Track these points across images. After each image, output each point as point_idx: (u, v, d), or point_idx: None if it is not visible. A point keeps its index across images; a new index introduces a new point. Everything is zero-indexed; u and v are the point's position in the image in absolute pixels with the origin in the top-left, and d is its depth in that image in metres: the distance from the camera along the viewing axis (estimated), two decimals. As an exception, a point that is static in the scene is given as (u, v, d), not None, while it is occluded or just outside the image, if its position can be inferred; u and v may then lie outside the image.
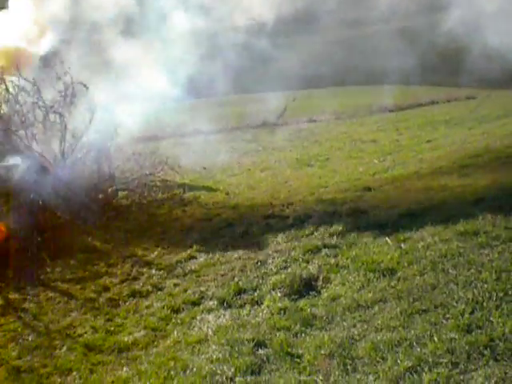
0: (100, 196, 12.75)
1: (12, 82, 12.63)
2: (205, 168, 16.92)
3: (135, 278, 9.13)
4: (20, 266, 9.77)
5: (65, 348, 7.21)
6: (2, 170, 11.11)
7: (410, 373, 5.36)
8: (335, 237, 9.25)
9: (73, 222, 11.51)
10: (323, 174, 14.29)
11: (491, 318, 5.97)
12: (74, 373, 6.61)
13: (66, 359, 6.93)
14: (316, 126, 25.43)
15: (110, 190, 13.14)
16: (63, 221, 11.39)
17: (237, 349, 6.40)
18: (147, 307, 8.09)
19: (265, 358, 6.14)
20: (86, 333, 7.56)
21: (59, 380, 6.52)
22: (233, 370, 5.99)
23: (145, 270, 9.41)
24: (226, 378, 5.88)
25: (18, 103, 12.59)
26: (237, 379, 5.83)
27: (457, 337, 5.75)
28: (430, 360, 5.48)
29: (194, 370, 6.15)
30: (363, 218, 9.96)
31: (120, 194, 13.60)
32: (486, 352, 5.44)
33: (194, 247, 10.01)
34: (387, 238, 8.71)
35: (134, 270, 9.42)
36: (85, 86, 12.88)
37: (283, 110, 24.91)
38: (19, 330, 7.81)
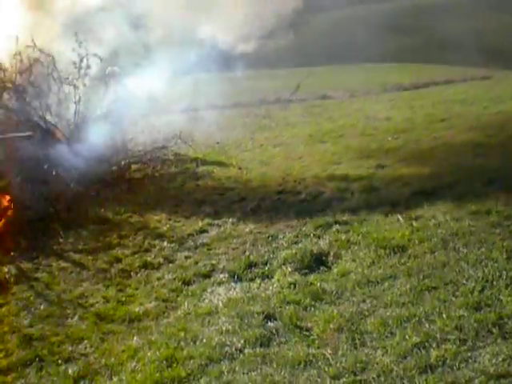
0: (113, 168, 12.79)
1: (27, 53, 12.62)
2: (218, 143, 16.90)
3: (147, 250, 9.18)
4: (33, 236, 9.85)
5: (76, 317, 7.29)
6: (15, 141, 11.14)
7: (418, 348, 5.40)
8: (347, 213, 9.26)
9: (86, 193, 11.57)
10: (336, 151, 14.24)
11: (501, 297, 5.99)
12: (85, 341, 6.69)
13: (77, 328, 7.01)
14: (330, 103, 25.30)
15: (123, 162, 13.16)
16: (76, 192, 11.43)
17: (246, 321, 6.46)
18: (158, 279, 8.15)
19: (274, 331, 6.19)
20: (97, 302, 7.63)
21: (70, 348, 6.59)
22: (242, 341, 6.05)
23: (156, 242, 9.46)
24: (236, 349, 5.94)
25: (32, 74, 12.60)
26: (246, 351, 5.89)
27: (466, 314, 5.78)
28: (438, 336, 5.51)
29: (204, 340, 6.22)
30: (375, 194, 9.98)
31: (133, 166, 13.62)
32: (494, 330, 5.47)
33: (206, 221, 10.05)
34: (399, 216, 8.72)
35: (146, 242, 9.47)
36: (99, 57, 12.86)
37: (297, 87, 24.70)
38: (31, 298, 7.87)
